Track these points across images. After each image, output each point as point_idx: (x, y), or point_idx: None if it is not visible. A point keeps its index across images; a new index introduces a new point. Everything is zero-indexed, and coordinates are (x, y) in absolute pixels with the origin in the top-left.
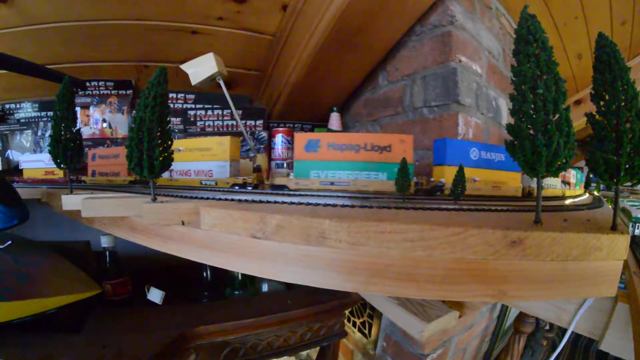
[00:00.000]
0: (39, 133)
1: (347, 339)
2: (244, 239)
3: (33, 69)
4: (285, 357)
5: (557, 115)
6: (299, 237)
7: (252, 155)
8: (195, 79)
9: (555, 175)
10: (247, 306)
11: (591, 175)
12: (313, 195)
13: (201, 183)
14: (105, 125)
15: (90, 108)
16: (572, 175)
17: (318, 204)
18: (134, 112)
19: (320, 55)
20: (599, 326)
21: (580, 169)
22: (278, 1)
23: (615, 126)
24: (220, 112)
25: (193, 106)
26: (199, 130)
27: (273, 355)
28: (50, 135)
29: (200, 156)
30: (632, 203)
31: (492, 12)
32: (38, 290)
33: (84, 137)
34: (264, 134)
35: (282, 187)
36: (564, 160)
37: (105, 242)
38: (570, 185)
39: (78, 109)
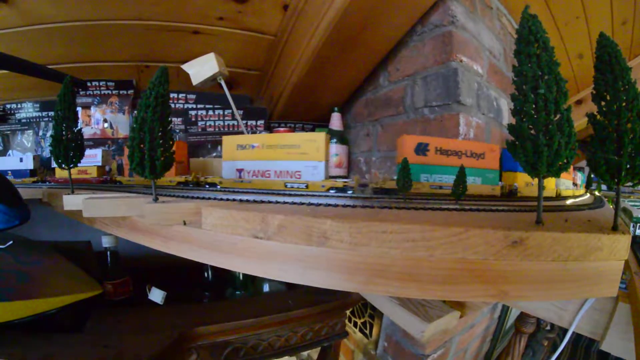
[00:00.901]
0: (40, 133)
1: (348, 339)
2: (245, 239)
3: (34, 69)
4: (286, 357)
5: (558, 116)
6: (301, 237)
7: None
8: (196, 79)
9: (557, 175)
10: (248, 306)
11: (592, 176)
12: (315, 195)
13: (285, 186)
14: (106, 125)
15: (92, 108)
16: (578, 177)
17: (320, 204)
18: (136, 112)
19: (321, 55)
20: (600, 326)
21: (581, 169)
22: (279, 1)
23: (617, 126)
24: (221, 112)
25: (194, 106)
26: (199, 130)
27: (274, 356)
28: (51, 135)
29: (285, 154)
30: (633, 203)
31: (493, 12)
32: (39, 290)
33: (85, 137)
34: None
35: (391, 190)
36: (565, 161)
37: (106, 242)
38: (577, 186)
39: (79, 109)
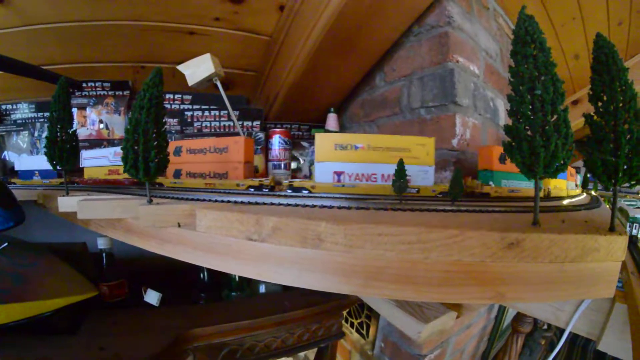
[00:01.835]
0: (36, 134)
1: (344, 339)
2: (240, 241)
3: (28, 69)
4: (283, 358)
5: (555, 117)
6: (295, 239)
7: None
8: (192, 80)
9: (554, 176)
10: (245, 308)
11: (589, 175)
12: (310, 197)
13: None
14: (102, 126)
15: (87, 109)
16: (578, 178)
17: (315, 206)
18: (130, 113)
19: (318, 56)
20: (596, 326)
21: (578, 168)
22: (275, 2)
23: (614, 127)
24: (217, 113)
25: (190, 107)
26: (195, 131)
27: (271, 357)
28: (46, 137)
29: (391, 158)
30: (629, 202)
31: (489, 12)
32: (34, 292)
33: (80, 138)
34: (261, 135)
35: (485, 195)
36: (562, 162)
37: (102, 243)
38: (577, 187)
39: (75, 109)
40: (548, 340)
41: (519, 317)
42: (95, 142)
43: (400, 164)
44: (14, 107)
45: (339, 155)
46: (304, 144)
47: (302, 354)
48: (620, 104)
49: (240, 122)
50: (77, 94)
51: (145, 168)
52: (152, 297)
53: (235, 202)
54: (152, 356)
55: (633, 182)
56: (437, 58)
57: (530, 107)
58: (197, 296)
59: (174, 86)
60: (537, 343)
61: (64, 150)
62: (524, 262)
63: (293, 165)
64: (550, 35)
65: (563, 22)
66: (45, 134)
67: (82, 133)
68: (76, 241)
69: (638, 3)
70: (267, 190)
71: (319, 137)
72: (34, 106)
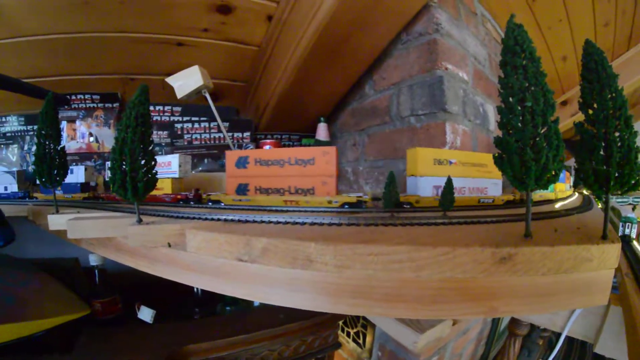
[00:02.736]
0: (26, 147)
1: (341, 349)
2: (230, 262)
3: (16, 85)
4: None
5: (545, 128)
6: (285, 260)
7: None
8: (180, 93)
9: (545, 188)
10: (240, 321)
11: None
12: (301, 212)
13: (479, 202)
14: (92, 139)
15: (77, 122)
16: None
17: (305, 223)
18: (116, 131)
19: (307, 65)
20: (592, 329)
21: (568, 168)
22: (263, 12)
23: (604, 135)
24: (207, 124)
25: (180, 119)
26: (186, 143)
27: None
28: (34, 154)
29: (475, 172)
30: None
31: (477, 18)
32: (26, 312)
33: (70, 151)
34: (252, 146)
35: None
36: (553, 173)
37: (94, 260)
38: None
39: (64, 122)
40: (546, 339)
41: (516, 320)
42: (85, 156)
43: (391, 176)
44: (3, 119)
45: (437, 170)
46: None
47: None
48: (611, 111)
49: (230, 134)
50: (65, 107)
51: (134, 188)
52: (145, 314)
53: (225, 220)
54: None
55: (624, 190)
56: (425, 66)
57: (521, 118)
58: (192, 311)
59: (164, 98)
60: (535, 344)
61: (53, 167)
62: (517, 276)
63: None
64: (537, 38)
65: (550, 24)
66: (35, 148)
67: (72, 146)
68: (69, 255)
69: (623, 4)
70: (365, 206)
71: (422, 151)
72: (23, 119)
